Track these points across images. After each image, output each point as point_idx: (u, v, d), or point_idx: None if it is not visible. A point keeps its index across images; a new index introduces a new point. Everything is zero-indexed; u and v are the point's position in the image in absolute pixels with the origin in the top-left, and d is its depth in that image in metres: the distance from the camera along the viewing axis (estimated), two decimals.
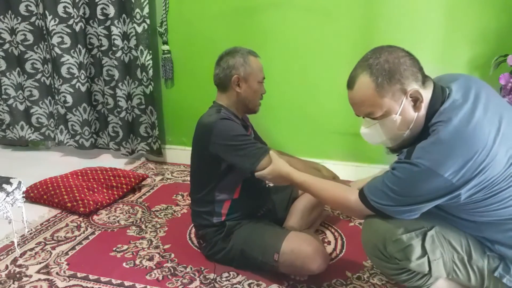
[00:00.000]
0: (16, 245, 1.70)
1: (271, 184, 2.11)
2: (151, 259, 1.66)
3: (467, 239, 1.17)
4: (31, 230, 1.87)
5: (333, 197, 1.29)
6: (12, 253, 1.69)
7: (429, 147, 1.05)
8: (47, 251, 1.71)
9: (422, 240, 1.14)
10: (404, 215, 1.13)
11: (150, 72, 2.58)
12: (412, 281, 1.21)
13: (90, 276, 1.54)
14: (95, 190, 2.17)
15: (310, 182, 1.34)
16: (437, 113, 1.08)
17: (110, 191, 2.21)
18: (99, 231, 1.88)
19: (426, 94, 1.10)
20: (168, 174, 2.61)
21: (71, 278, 1.53)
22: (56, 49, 2.65)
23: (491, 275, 1.15)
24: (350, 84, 1.15)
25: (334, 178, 1.79)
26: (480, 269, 1.16)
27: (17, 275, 1.55)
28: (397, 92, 1.08)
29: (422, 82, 1.09)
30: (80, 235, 1.85)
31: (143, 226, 1.93)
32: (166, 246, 1.76)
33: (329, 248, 1.76)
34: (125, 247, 1.75)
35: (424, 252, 1.13)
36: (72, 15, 2.61)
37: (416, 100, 1.09)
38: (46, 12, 2.59)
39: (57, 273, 1.56)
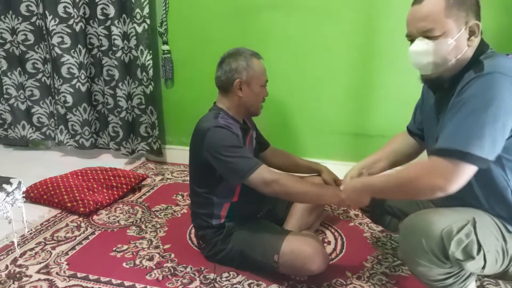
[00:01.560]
0: (16, 245, 1.70)
1: None
2: (151, 259, 1.67)
3: (495, 223, 1.14)
4: (31, 230, 1.87)
5: (407, 178, 1.15)
6: (12, 253, 1.69)
7: (496, 61, 1.09)
8: (47, 251, 1.71)
9: (475, 234, 1.09)
10: (490, 139, 1.03)
11: (150, 72, 2.58)
12: (455, 285, 1.17)
13: (90, 276, 1.54)
14: (95, 190, 2.17)
15: (382, 182, 1.24)
16: (485, 54, 1.13)
17: (110, 191, 2.21)
18: (99, 231, 1.89)
19: (478, 38, 1.14)
20: (168, 174, 2.61)
21: (71, 278, 1.53)
22: (56, 49, 2.65)
23: None
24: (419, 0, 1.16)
25: (335, 180, 1.80)
26: (511, 250, 1.13)
27: (17, 275, 1.55)
28: (461, 19, 1.11)
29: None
30: (80, 235, 1.85)
31: (143, 226, 1.93)
32: (166, 246, 1.76)
33: (329, 248, 1.76)
34: (125, 247, 1.75)
35: (480, 245, 1.09)
36: (72, 15, 2.61)
37: (472, 34, 1.12)
38: (46, 12, 2.59)
39: (57, 273, 1.56)
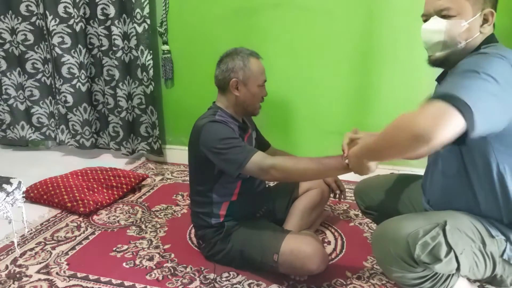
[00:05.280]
0: (16, 245, 1.70)
1: (271, 184, 2.11)
2: (151, 259, 1.67)
3: (475, 226, 1.15)
4: (31, 230, 1.87)
5: (399, 127, 1.00)
6: (12, 253, 1.69)
7: (495, 47, 1.11)
8: (47, 251, 1.71)
9: (444, 236, 1.10)
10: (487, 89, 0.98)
11: (151, 72, 2.58)
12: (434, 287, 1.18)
13: (90, 276, 1.54)
14: (95, 190, 2.17)
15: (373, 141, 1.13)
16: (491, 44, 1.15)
17: (110, 191, 2.21)
18: (99, 231, 1.89)
19: (490, 28, 1.16)
20: (168, 174, 2.61)
21: (71, 278, 1.53)
22: (57, 49, 2.65)
23: (500, 259, 1.14)
24: None
25: (336, 181, 1.80)
26: (494, 254, 1.13)
27: (17, 275, 1.55)
28: (478, 4, 1.13)
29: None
30: (80, 235, 1.85)
31: (143, 226, 1.93)
32: (166, 246, 1.76)
33: (329, 248, 1.76)
34: (125, 247, 1.75)
35: (450, 248, 1.09)
36: (72, 15, 2.61)
37: (485, 22, 1.15)
38: (47, 12, 2.59)
39: (57, 273, 1.56)
